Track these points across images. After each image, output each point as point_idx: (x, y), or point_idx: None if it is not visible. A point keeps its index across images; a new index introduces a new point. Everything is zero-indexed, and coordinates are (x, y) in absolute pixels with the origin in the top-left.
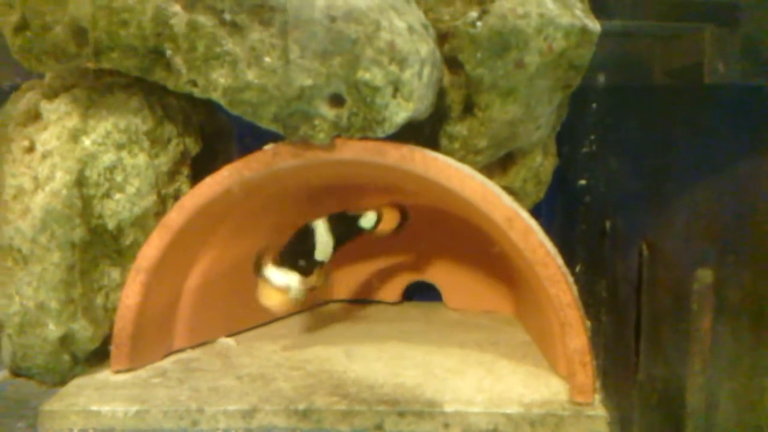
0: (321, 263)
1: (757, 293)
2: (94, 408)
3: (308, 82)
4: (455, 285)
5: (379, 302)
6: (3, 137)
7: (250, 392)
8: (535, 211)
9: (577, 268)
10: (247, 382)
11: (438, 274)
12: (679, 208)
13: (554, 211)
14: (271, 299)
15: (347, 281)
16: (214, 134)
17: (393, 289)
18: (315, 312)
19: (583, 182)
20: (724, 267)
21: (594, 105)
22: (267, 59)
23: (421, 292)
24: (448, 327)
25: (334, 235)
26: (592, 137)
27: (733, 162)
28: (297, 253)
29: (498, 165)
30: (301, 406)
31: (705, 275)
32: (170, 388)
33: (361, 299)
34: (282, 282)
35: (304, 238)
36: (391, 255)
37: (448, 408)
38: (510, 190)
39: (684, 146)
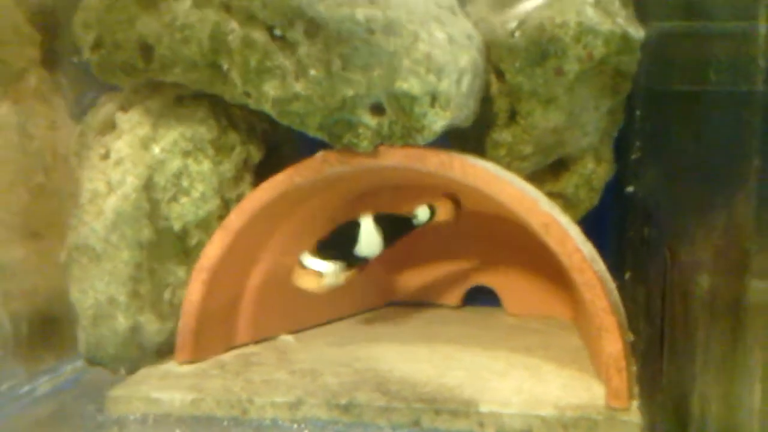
0: (364, 259)
1: (736, 295)
2: (155, 395)
3: (350, 92)
4: (514, 290)
5: (440, 305)
6: (83, 145)
7: (299, 386)
8: (589, 218)
9: (626, 275)
10: (298, 377)
11: (497, 279)
12: (697, 215)
13: (609, 218)
14: (302, 281)
15: (408, 284)
16: (279, 142)
17: (453, 293)
18: (375, 313)
19: (630, 189)
20: (717, 272)
21: (638, 112)
22: (312, 72)
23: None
24: (503, 331)
25: (382, 231)
26: (638, 143)
27: None
28: (334, 244)
29: (549, 171)
30: (343, 401)
31: (703, 280)
32: (226, 379)
33: (422, 302)
34: (314, 266)
35: (347, 231)
36: (451, 259)
37: (484, 408)
38: (562, 197)
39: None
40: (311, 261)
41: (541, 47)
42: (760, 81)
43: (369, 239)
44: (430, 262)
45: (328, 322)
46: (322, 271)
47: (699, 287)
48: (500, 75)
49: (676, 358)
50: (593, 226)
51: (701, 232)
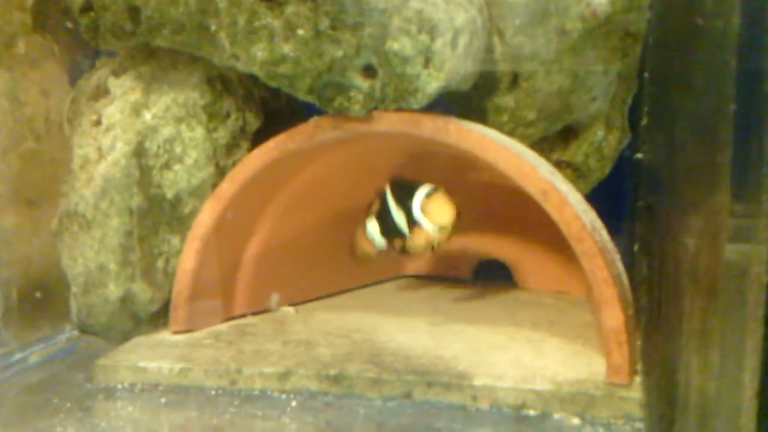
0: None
1: (714, 260)
2: (142, 364)
3: (339, 53)
4: (527, 264)
5: (451, 279)
6: (75, 111)
7: (290, 356)
8: (602, 187)
9: (635, 247)
10: (291, 347)
11: (510, 253)
12: (690, 179)
13: (626, 188)
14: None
15: (419, 257)
16: (280, 109)
17: (464, 266)
18: (383, 286)
19: (638, 156)
20: (700, 236)
21: (646, 74)
22: (300, 31)
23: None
24: (511, 305)
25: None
26: (646, 108)
27: None
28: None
29: (559, 139)
30: (333, 372)
31: (689, 246)
32: (218, 349)
33: (433, 275)
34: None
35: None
36: (463, 232)
37: (477, 381)
38: (571, 166)
39: None
40: None
41: (541, 4)
42: (736, 15)
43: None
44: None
45: (333, 295)
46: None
47: (686, 253)
48: (501, 35)
49: (668, 329)
50: (610, 196)
51: (692, 197)
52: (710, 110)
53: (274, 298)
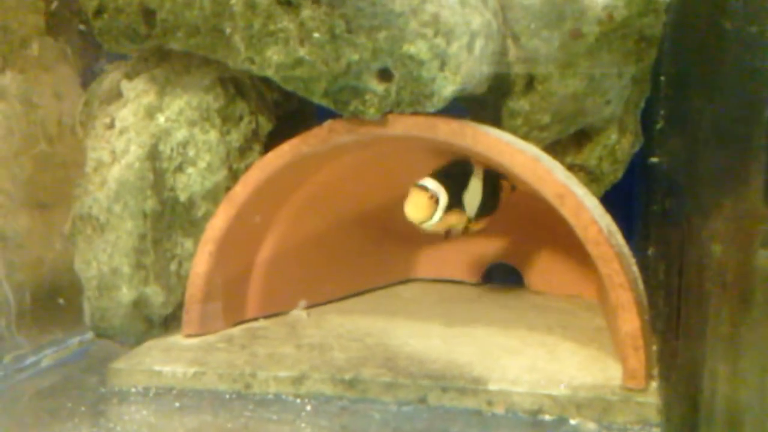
0: (461, 208)
1: (745, 265)
2: (157, 368)
3: (355, 57)
4: (537, 268)
5: (461, 282)
6: (89, 114)
7: (304, 360)
8: (615, 191)
9: (649, 251)
10: (305, 351)
11: (520, 257)
12: (714, 184)
13: (637, 192)
14: (419, 207)
15: (429, 260)
16: (292, 112)
17: (474, 270)
18: (393, 289)
19: (653, 160)
20: (727, 241)
21: (663, 78)
22: (316, 35)
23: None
24: (523, 309)
25: (483, 193)
26: (662, 112)
27: None
28: (450, 176)
29: (572, 142)
30: (348, 376)
31: (715, 251)
32: (231, 352)
33: (442, 279)
34: (435, 188)
35: (461, 169)
36: (473, 236)
37: (492, 386)
38: (585, 169)
39: None
40: (431, 183)
41: (557, 7)
42: None
43: (473, 193)
44: (450, 238)
45: (345, 297)
46: (439, 197)
47: (711, 259)
48: (516, 39)
49: (690, 335)
50: (622, 200)
51: (716, 201)
52: (740, 115)
53: (301, 303)
